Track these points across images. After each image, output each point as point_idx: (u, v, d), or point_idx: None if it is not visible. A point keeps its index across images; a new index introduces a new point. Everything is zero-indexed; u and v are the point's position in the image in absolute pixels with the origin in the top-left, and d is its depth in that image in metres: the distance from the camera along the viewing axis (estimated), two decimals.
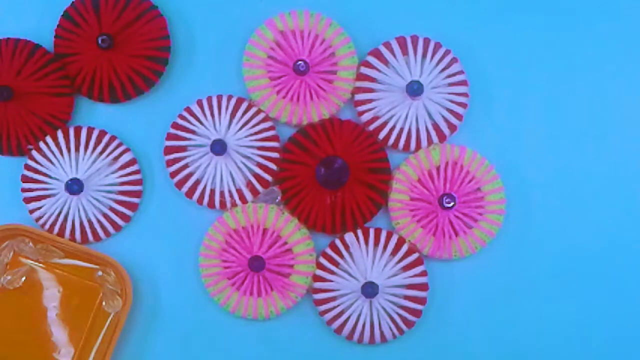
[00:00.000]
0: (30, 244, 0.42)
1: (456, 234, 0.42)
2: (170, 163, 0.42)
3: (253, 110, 0.42)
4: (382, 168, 0.42)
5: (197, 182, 0.42)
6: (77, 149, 0.42)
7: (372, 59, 0.43)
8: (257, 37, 0.43)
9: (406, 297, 0.42)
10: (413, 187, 0.42)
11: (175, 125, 0.43)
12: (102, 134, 0.43)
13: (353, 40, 0.43)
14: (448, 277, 0.43)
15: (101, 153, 0.42)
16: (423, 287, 0.42)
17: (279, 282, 0.42)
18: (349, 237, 0.42)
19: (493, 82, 0.44)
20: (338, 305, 0.42)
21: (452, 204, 0.41)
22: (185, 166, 0.42)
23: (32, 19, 0.43)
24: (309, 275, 0.42)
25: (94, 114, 0.44)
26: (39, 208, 0.42)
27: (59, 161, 0.42)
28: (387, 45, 0.43)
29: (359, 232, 0.42)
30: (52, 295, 0.42)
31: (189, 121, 0.42)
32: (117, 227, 0.43)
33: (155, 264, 0.43)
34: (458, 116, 0.43)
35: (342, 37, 0.43)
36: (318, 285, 0.42)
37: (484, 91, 0.44)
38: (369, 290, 0.41)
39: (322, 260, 0.42)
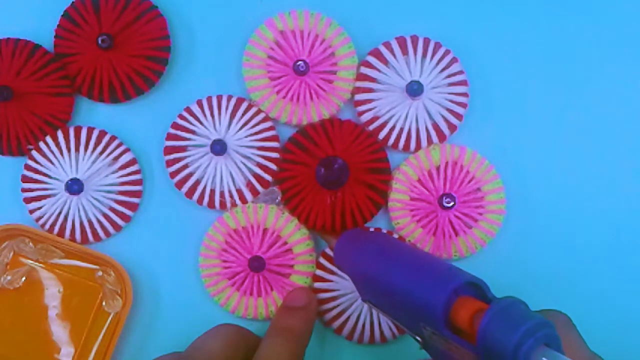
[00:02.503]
0: (30, 244, 0.42)
1: (456, 234, 0.42)
2: (170, 163, 0.42)
3: (253, 110, 0.42)
4: (382, 168, 0.42)
5: (197, 182, 0.42)
6: (77, 149, 0.42)
7: (372, 59, 0.43)
8: (257, 37, 0.43)
9: None
10: (413, 187, 0.42)
11: (175, 125, 0.43)
12: (102, 134, 0.43)
13: (353, 40, 0.43)
14: None
15: (101, 153, 0.42)
16: None
17: (279, 282, 0.42)
18: None
19: (493, 82, 0.44)
20: (338, 305, 0.42)
21: (452, 203, 0.41)
22: (185, 166, 0.42)
23: (32, 19, 0.43)
24: (309, 276, 0.42)
25: (94, 114, 0.44)
26: (39, 208, 0.42)
27: (59, 161, 0.42)
28: (387, 45, 0.43)
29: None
30: (52, 295, 0.42)
31: (189, 121, 0.42)
32: (117, 227, 0.43)
33: (155, 264, 0.43)
34: (458, 116, 0.43)
35: (342, 37, 0.43)
36: (318, 285, 0.42)
37: (484, 91, 0.44)
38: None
39: (322, 260, 0.42)
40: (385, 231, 0.42)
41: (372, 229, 0.42)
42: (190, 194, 0.42)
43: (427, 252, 0.41)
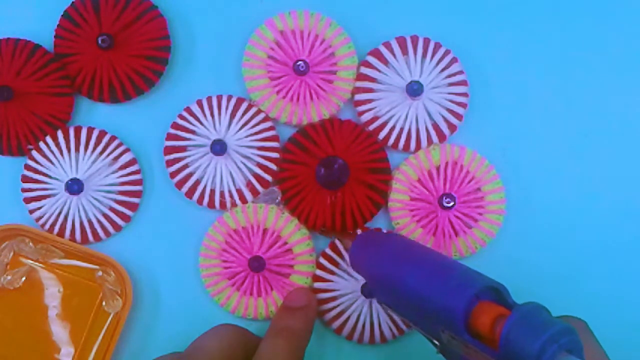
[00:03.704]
0: (31, 244, 0.42)
1: (456, 234, 0.42)
2: (170, 163, 0.42)
3: (253, 110, 0.42)
4: (382, 168, 0.42)
5: (197, 182, 0.42)
6: (77, 149, 0.42)
7: (372, 59, 0.43)
8: (257, 37, 0.43)
9: None
10: (413, 187, 0.42)
11: (175, 126, 0.43)
12: (102, 134, 0.43)
13: (353, 40, 0.43)
14: None
15: (101, 153, 0.42)
16: None
17: (279, 282, 0.42)
18: None
19: (493, 82, 0.44)
20: (338, 305, 0.42)
21: (451, 203, 0.41)
22: (185, 166, 0.42)
23: (32, 19, 0.43)
24: (309, 276, 0.42)
25: (94, 114, 0.44)
26: (39, 208, 0.42)
27: (59, 161, 0.42)
28: (387, 45, 0.43)
29: (359, 232, 0.42)
30: (52, 295, 0.42)
31: (188, 121, 0.42)
32: (117, 227, 0.43)
33: (155, 264, 0.43)
34: (458, 116, 0.43)
35: (342, 37, 0.43)
36: (318, 285, 0.42)
37: (484, 91, 0.44)
38: (369, 290, 0.41)
39: (322, 261, 0.42)
40: (385, 231, 0.42)
41: (372, 230, 0.42)
42: (190, 194, 0.42)
43: (443, 254, 0.41)
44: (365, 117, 0.43)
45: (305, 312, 0.40)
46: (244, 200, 0.42)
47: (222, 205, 0.42)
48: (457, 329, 0.29)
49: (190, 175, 0.42)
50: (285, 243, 0.42)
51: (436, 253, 0.36)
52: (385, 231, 0.42)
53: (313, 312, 0.40)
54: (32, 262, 0.42)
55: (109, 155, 0.43)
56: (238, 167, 0.42)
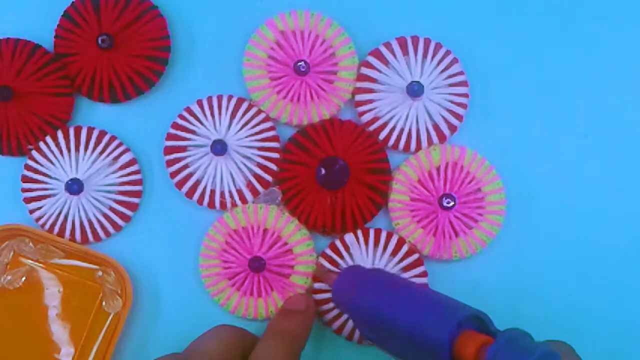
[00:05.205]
0: (30, 244, 0.42)
1: (456, 235, 0.42)
2: (170, 163, 0.42)
3: (253, 110, 0.42)
4: (383, 169, 0.42)
5: (197, 183, 0.42)
6: (77, 149, 0.42)
7: (372, 59, 0.43)
8: (257, 37, 0.43)
9: None
10: (413, 188, 0.42)
11: (175, 126, 0.43)
12: (102, 134, 0.43)
13: (353, 40, 0.43)
14: (448, 277, 0.43)
15: (101, 153, 0.42)
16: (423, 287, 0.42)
17: (279, 283, 0.42)
18: (349, 237, 0.42)
19: (493, 83, 0.44)
20: None
21: (452, 204, 0.41)
22: (186, 166, 0.42)
23: (32, 19, 0.43)
24: (309, 276, 0.42)
25: (94, 114, 0.44)
26: (39, 208, 0.42)
27: (59, 161, 0.42)
28: (388, 45, 0.43)
29: (359, 232, 0.42)
30: (52, 295, 0.42)
31: (189, 121, 0.42)
32: (117, 227, 0.43)
33: (155, 264, 0.43)
34: (458, 117, 0.43)
35: (342, 38, 0.43)
36: (318, 285, 0.42)
37: (485, 92, 0.44)
38: None
39: (322, 261, 0.42)
40: (385, 232, 0.42)
41: (371, 230, 0.42)
42: (190, 194, 0.42)
43: (427, 287, 0.41)
44: (366, 118, 0.43)
45: (303, 316, 0.40)
46: (244, 200, 0.42)
47: (222, 205, 0.42)
48: (442, 359, 0.29)
49: (190, 175, 0.42)
50: (286, 243, 0.42)
51: (419, 286, 0.36)
52: (385, 232, 0.42)
53: (311, 317, 0.40)
54: (32, 262, 0.42)
55: (109, 155, 0.42)
56: (238, 167, 0.42)
